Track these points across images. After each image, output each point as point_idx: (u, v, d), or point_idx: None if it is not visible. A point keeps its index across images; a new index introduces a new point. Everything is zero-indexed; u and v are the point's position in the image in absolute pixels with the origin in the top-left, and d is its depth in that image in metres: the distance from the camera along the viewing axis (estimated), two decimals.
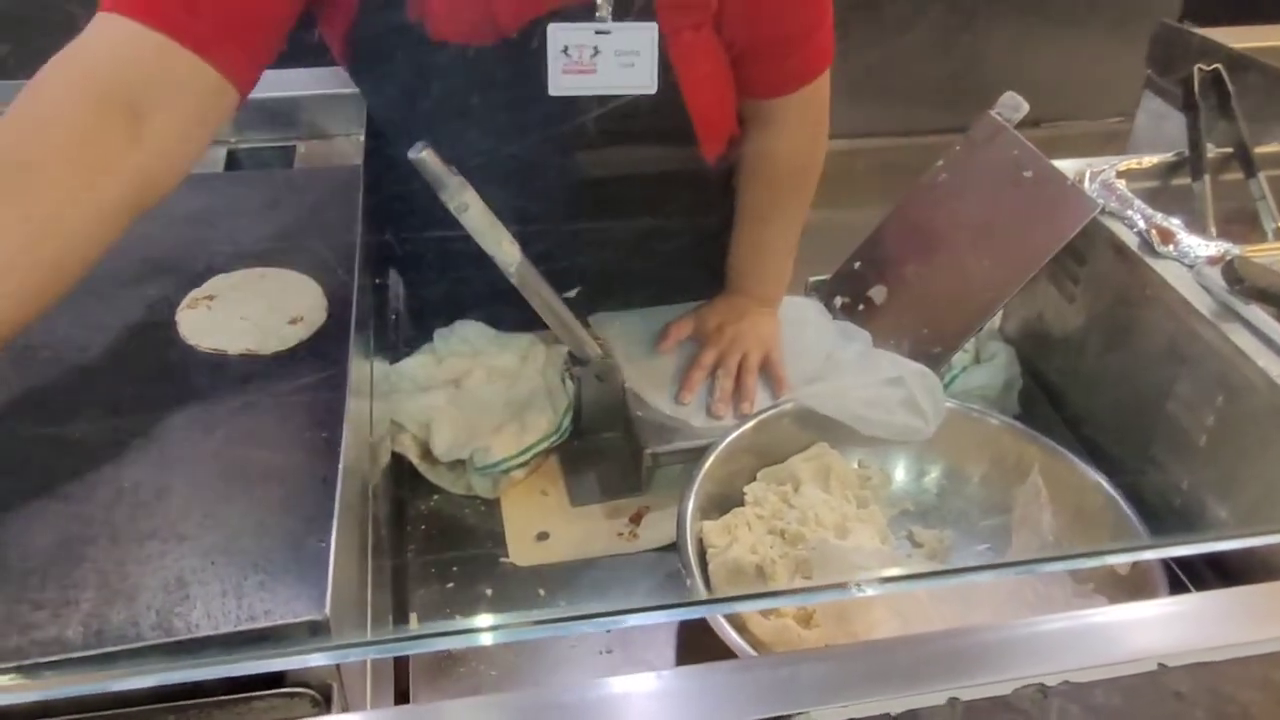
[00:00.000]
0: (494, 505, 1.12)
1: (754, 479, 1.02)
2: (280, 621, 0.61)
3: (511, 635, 0.55)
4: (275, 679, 0.61)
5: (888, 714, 0.48)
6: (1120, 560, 0.91)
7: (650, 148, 1.15)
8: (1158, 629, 0.55)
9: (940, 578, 0.89)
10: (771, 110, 1.17)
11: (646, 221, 1.23)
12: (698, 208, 1.27)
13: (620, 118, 1.06)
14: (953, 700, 0.49)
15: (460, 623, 0.70)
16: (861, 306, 1.29)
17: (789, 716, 0.48)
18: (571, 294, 1.23)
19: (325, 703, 0.60)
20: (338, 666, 0.61)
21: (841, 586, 0.85)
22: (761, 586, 0.91)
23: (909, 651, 0.52)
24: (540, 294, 1.07)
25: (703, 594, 0.89)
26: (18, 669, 0.58)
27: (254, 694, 0.59)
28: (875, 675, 0.51)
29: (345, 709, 0.62)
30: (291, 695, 0.59)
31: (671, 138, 1.14)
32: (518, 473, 1.12)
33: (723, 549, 0.93)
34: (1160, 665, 0.51)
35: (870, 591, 0.88)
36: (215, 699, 0.59)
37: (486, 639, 0.55)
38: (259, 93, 1.24)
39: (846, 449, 1.05)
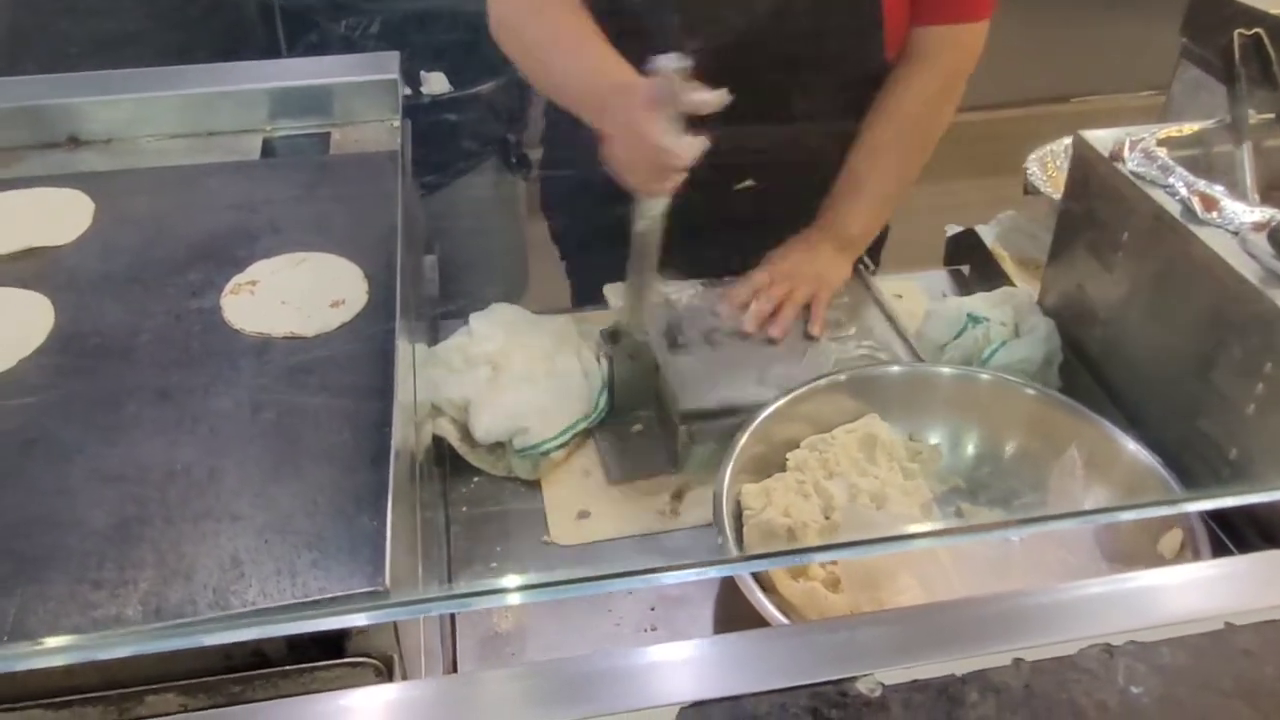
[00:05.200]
0: (534, 486, 1.12)
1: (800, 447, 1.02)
2: (343, 591, 0.61)
3: (569, 592, 0.56)
4: (337, 650, 0.61)
5: (953, 675, 0.48)
6: (1158, 513, 0.90)
7: (841, 40, 1.22)
8: (1223, 588, 0.54)
9: (959, 535, 0.89)
10: (919, 41, 1.23)
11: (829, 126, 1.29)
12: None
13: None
14: (1018, 661, 0.49)
15: (509, 580, 0.69)
16: None
17: (853, 678, 0.48)
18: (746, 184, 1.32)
19: (387, 673, 0.61)
20: (397, 638, 0.62)
21: (866, 544, 0.85)
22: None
23: (972, 612, 0.52)
24: (650, 253, 1.08)
25: (733, 553, 0.89)
26: (84, 639, 0.59)
27: (318, 664, 0.60)
28: (939, 637, 0.50)
29: (405, 679, 0.62)
30: (355, 665, 0.60)
31: (862, 31, 1.22)
32: (557, 454, 1.12)
33: (758, 511, 0.94)
34: (1227, 624, 0.51)
35: (884, 550, 0.88)
36: (280, 669, 0.60)
37: (537, 595, 0.55)
38: (293, 80, 1.26)
39: (898, 422, 1.04)
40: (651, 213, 1.04)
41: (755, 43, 1.22)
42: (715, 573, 0.84)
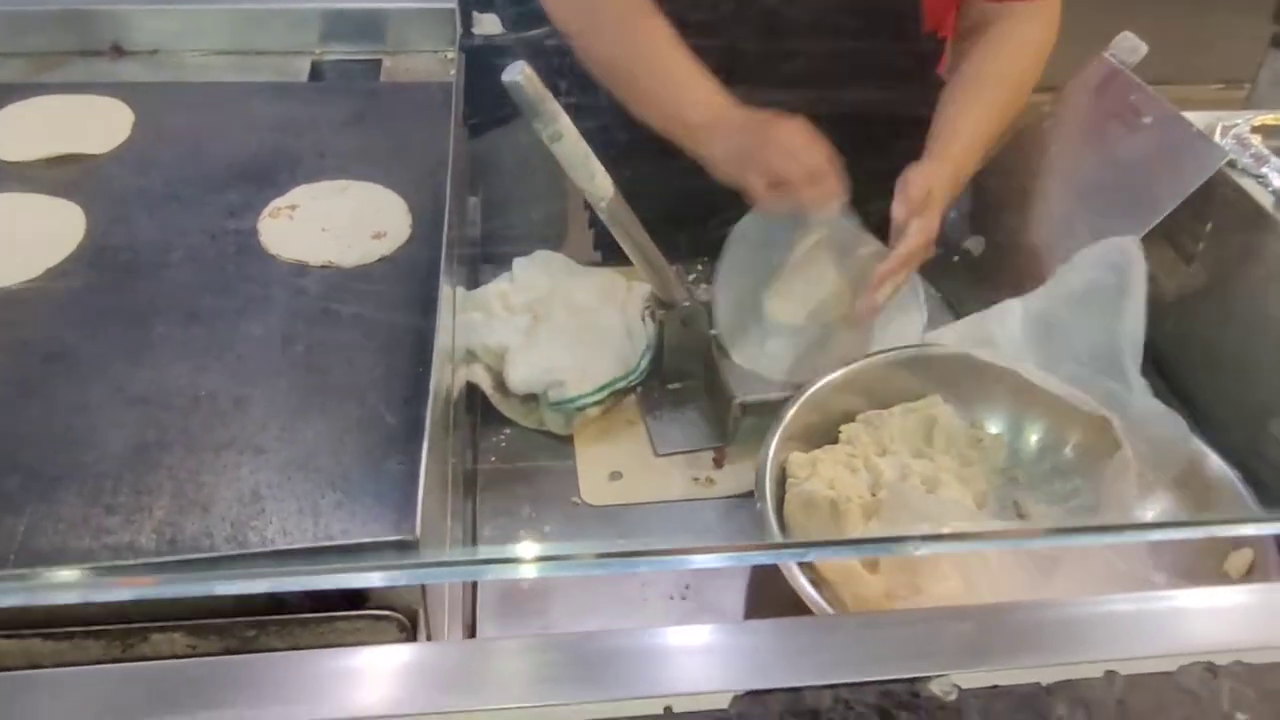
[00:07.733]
0: (567, 442, 1.08)
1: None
2: (370, 539, 0.57)
3: (598, 568, 0.52)
4: (359, 600, 0.57)
5: (1038, 683, 0.43)
6: (1230, 532, 0.85)
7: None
8: None
9: (999, 539, 0.85)
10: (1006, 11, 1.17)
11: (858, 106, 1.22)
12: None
13: None
14: (1110, 674, 0.44)
15: (542, 548, 0.66)
16: (956, 258, 1.22)
17: (927, 678, 0.43)
18: None
19: (411, 628, 0.57)
20: (423, 592, 0.58)
21: (900, 540, 0.81)
22: (832, 524, 0.88)
23: (1060, 615, 0.48)
24: (630, 232, 1.03)
25: (771, 521, 0.86)
26: (94, 569, 0.56)
27: (339, 613, 0.56)
28: (1023, 640, 0.46)
29: (429, 636, 0.58)
30: (378, 618, 0.56)
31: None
32: (592, 410, 1.08)
33: (801, 480, 0.90)
34: None
35: (925, 550, 0.84)
36: (298, 616, 0.56)
37: (569, 568, 0.51)
38: (345, 3, 1.21)
39: (962, 406, 0.99)
40: (602, 203, 0.98)
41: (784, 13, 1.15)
42: (752, 559, 0.79)
